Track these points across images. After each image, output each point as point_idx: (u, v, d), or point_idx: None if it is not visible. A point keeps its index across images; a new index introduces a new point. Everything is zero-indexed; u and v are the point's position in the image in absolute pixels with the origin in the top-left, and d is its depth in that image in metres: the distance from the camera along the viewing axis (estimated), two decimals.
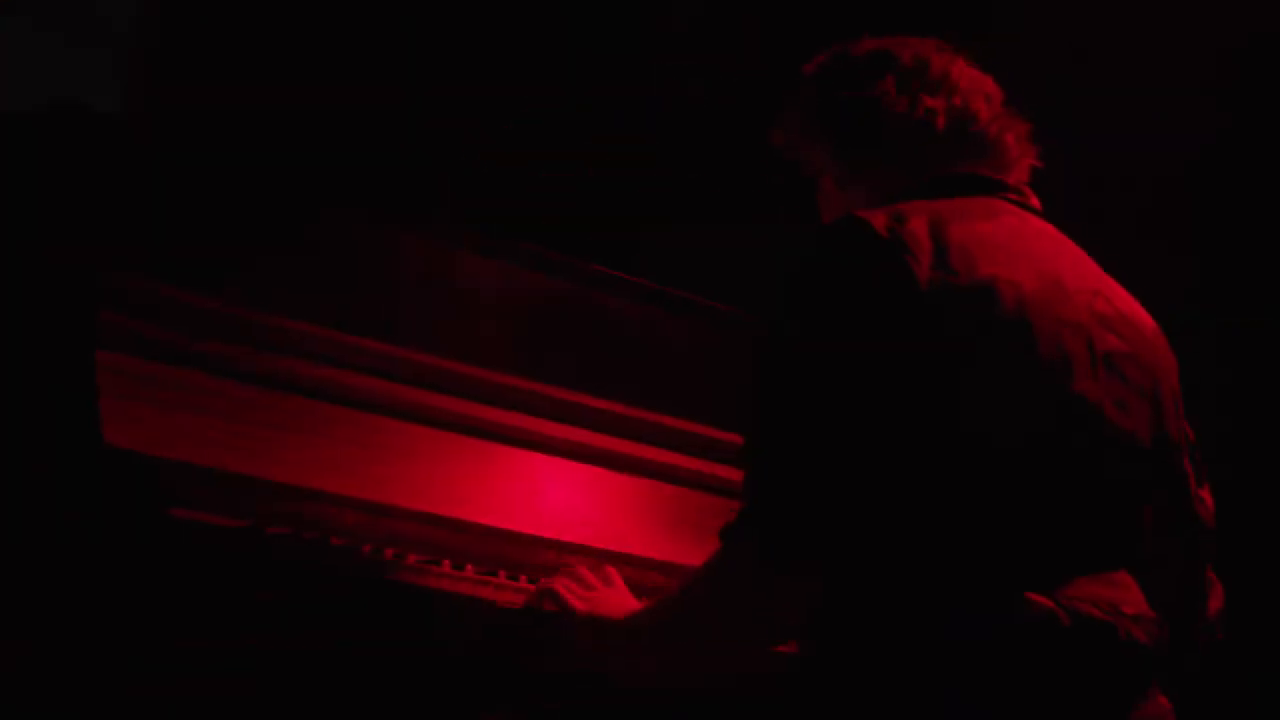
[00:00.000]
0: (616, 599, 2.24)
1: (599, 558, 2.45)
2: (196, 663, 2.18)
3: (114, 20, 3.51)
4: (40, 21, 3.40)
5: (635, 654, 2.13)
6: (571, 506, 2.63)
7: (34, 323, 2.36)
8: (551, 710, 2.29)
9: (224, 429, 2.37)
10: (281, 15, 3.59)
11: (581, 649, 2.18)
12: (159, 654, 2.16)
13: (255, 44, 3.56)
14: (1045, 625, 1.90)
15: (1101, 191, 3.48)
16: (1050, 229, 2.18)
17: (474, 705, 2.32)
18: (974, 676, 1.89)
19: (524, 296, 2.85)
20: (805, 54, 2.34)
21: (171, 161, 2.56)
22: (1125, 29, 3.68)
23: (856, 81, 2.22)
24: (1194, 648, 2.17)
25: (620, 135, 3.80)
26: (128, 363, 2.33)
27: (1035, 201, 2.21)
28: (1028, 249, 2.07)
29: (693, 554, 2.33)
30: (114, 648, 2.13)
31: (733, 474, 2.74)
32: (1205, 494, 2.23)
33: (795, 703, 1.96)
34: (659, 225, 3.77)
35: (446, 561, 2.30)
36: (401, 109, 3.64)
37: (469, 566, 2.33)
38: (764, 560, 1.94)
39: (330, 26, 3.62)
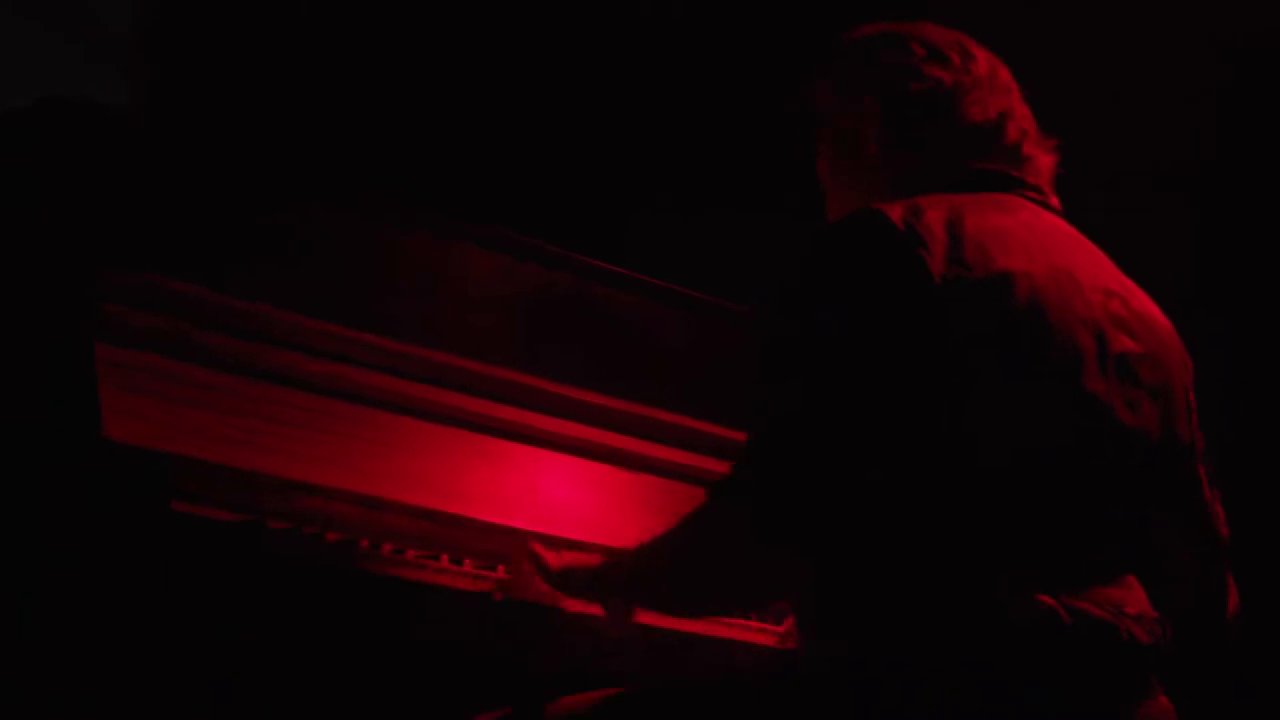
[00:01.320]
0: (593, 557, 2.27)
1: (597, 554, 2.45)
2: (196, 657, 2.19)
3: (114, 18, 3.51)
4: (40, 21, 3.41)
5: (613, 592, 2.16)
6: (570, 502, 2.63)
7: (37, 317, 2.36)
8: (550, 706, 2.28)
9: (226, 423, 2.37)
10: (280, 13, 3.60)
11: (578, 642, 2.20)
12: (159, 648, 2.16)
13: (254, 37, 3.57)
14: (1046, 624, 1.90)
15: (1100, 191, 3.48)
16: (1067, 227, 2.17)
17: (471, 700, 2.32)
18: (975, 675, 1.89)
19: (525, 291, 2.85)
20: (802, 47, 2.33)
21: (175, 156, 2.56)
22: (1125, 28, 3.69)
23: (937, 67, 2.18)
24: (1209, 652, 2.17)
25: (617, 128, 3.81)
26: (131, 356, 2.34)
27: (1055, 202, 2.21)
28: (1041, 242, 2.06)
29: None
30: (114, 641, 2.14)
31: None
32: (1218, 505, 2.22)
33: (798, 700, 1.95)
34: (659, 217, 3.78)
35: (445, 556, 2.30)
36: (398, 102, 3.64)
37: (467, 561, 2.33)
38: (758, 543, 1.94)
39: (326, 21, 3.63)
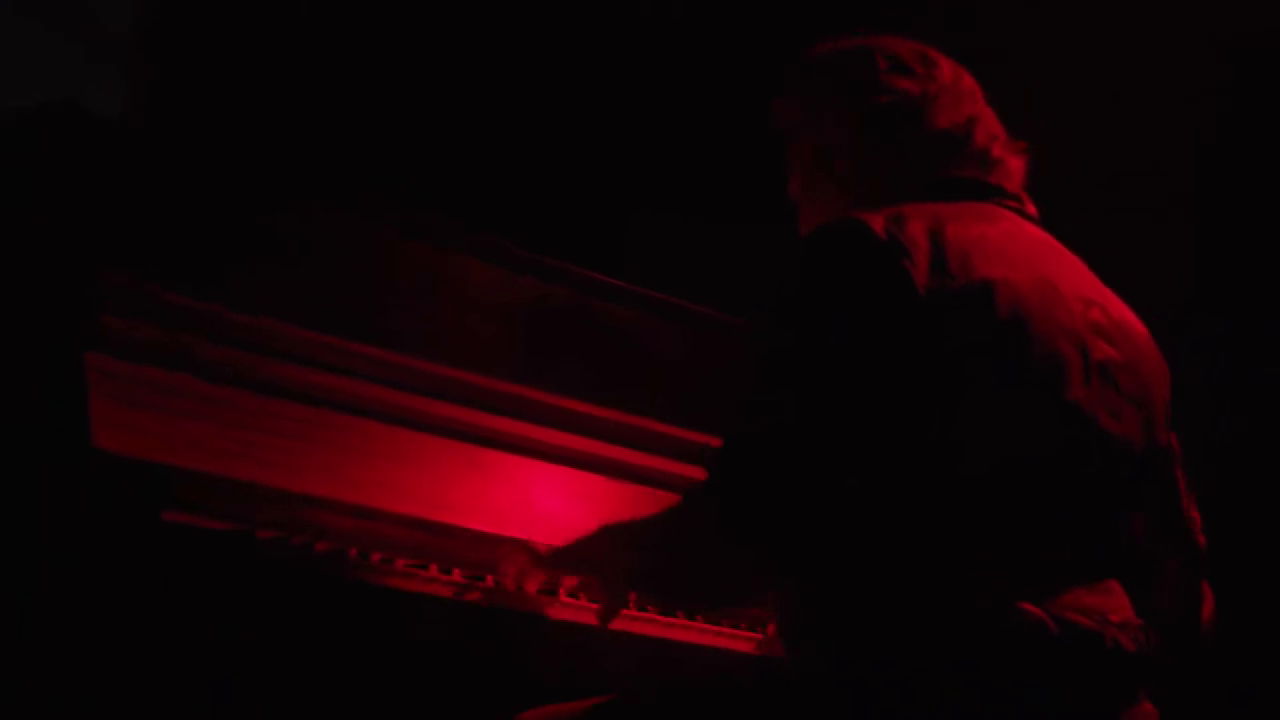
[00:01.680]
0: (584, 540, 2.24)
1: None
2: (185, 666, 2.20)
3: (114, 18, 3.52)
4: (40, 21, 3.41)
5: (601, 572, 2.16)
6: (561, 512, 2.63)
7: (33, 327, 2.37)
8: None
9: (219, 434, 2.38)
10: (279, 14, 3.60)
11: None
12: (150, 657, 2.17)
13: (254, 38, 3.57)
14: (1033, 633, 1.90)
15: (1100, 191, 3.48)
16: (1046, 236, 2.18)
17: (463, 707, 2.33)
18: (962, 685, 1.89)
19: (521, 303, 2.86)
20: (795, 50, 2.33)
21: (172, 164, 2.57)
22: (1125, 28, 3.68)
23: (903, 78, 2.20)
24: (1188, 657, 2.18)
25: (618, 133, 3.80)
26: (125, 367, 2.34)
27: (1032, 209, 2.21)
28: (1023, 253, 2.07)
29: None
30: (106, 652, 2.14)
31: None
32: (1194, 510, 2.23)
33: (790, 706, 1.96)
34: (659, 220, 3.78)
35: (434, 565, 2.31)
36: (398, 105, 3.65)
37: (457, 571, 2.33)
38: (725, 544, 1.95)
39: (326, 23, 3.63)
